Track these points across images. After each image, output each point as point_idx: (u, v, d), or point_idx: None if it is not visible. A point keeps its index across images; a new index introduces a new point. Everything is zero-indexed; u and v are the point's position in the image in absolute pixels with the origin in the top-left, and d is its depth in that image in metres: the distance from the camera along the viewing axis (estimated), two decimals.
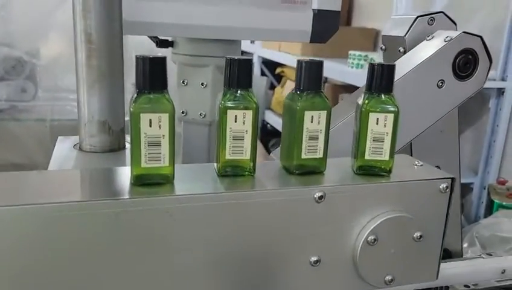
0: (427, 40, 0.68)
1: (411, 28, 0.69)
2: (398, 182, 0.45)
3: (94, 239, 0.37)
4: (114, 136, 0.57)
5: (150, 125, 0.39)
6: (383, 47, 0.75)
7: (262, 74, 3.05)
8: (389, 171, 0.46)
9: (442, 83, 0.65)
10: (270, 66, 3.00)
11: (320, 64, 0.44)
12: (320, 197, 0.42)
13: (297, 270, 0.43)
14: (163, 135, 0.39)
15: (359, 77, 2.01)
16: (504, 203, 1.75)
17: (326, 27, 0.77)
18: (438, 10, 0.72)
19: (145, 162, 0.39)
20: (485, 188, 1.96)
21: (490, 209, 1.82)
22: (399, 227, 0.45)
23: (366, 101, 0.45)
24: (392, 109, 0.45)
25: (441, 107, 0.66)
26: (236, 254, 0.41)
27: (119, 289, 0.38)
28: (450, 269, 0.68)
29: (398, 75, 0.64)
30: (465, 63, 0.65)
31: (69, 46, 1.63)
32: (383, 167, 0.46)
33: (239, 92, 0.42)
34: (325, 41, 0.79)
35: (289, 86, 2.66)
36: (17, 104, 1.74)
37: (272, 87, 3.00)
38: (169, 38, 0.77)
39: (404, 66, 0.66)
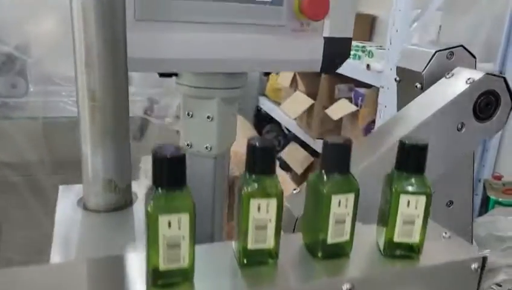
0: (446, 77, 0.64)
1: (429, 64, 0.66)
2: (430, 266, 0.43)
3: None
4: (120, 194, 0.53)
5: (169, 227, 0.35)
6: (398, 78, 0.72)
7: None
8: (419, 252, 0.43)
9: (462, 125, 0.62)
10: None
11: (348, 146, 0.40)
12: None
13: None
14: (184, 236, 0.36)
15: (356, 69, 1.96)
16: (500, 199, 1.75)
17: (337, 55, 0.73)
18: None
19: (163, 264, 0.36)
20: (480, 181, 1.95)
21: (486, 204, 1.81)
22: None
23: (397, 182, 0.42)
24: (425, 190, 0.41)
25: (459, 149, 0.63)
26: None
27: None
28: None
29: (417, 119, 0.61)
30: (486, 104, 0.62)
31: (60, 39, 1.56)
32: (413, 248, 0.43)
33: (262, 178, 0.39)
34: (335, 70, 0.74)
35: (284, 72, 2.60)
36: (8, 100, 1.68)
37: (267, 73, 2.94)
38: None
39: (423, 108, 0.62)
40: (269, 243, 0.40)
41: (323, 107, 2.13)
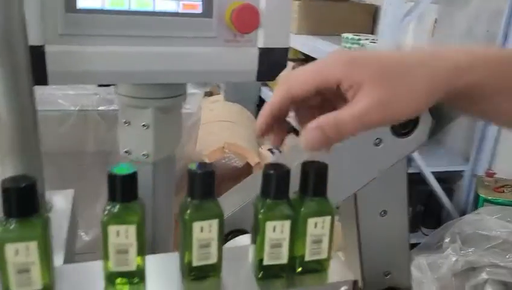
0: None
1: None
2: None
3: None
4: None
5: (16, 255, 0.37)
6: None
7: None
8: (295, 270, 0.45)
9: (379, 141, 0.62)
10: None
11: (211, 174, 0.42)
12: None
13: None
14: (34, 262, 0.38)
15: None
16: (490, 197, 1.72)
17: (273, 65, 0.73)
18: None
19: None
20: (475, 176, 1.92)
21: (476, 202, 1.79)
22: None
23: (263, 208, 0.43)
24: (289, 214, 0.43)
25: (379, 164, 0.63)
26: None
27: None
28: None
29: None
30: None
31: None
32: (283, 268, 0.45)
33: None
34: (273, 80, 0.75)
35: None
36: None
37: None
38: None
39: None
40: (132, 266, 0.42)
41: None
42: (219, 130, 2.13)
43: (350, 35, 2.05)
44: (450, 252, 1.59)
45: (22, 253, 0.37)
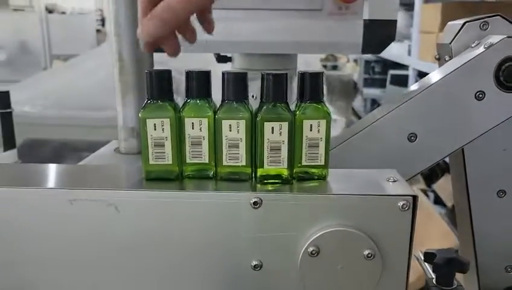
0: (472, 46, 0.63)
1: (458, 35, 0.65)
2: (339, 195, 0.45)
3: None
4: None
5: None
6: (437, 56, 0.71)
7: None
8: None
9: (482, 94, 0.59)
10: None
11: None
12: (255, 203, 0.45)
13: (239, 274, 0.46)
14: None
15: None
16: None
17: (379, 38, 0.76)
18: None
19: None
20: None
21: None
22: (345, 242, 0.45)
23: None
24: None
25: (481, 122, 0.60)
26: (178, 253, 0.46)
27: None
28: None
29: (426, 85, 0.61)
30: (511, 72, 0.59)
31: None
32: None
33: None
34: (379, 53, 0.77)
35: None
36: None
37: None
38: (228, 54, 0.85)
39: (437, 74, 0.62)
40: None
41: None
42: None
43: None
44: None
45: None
